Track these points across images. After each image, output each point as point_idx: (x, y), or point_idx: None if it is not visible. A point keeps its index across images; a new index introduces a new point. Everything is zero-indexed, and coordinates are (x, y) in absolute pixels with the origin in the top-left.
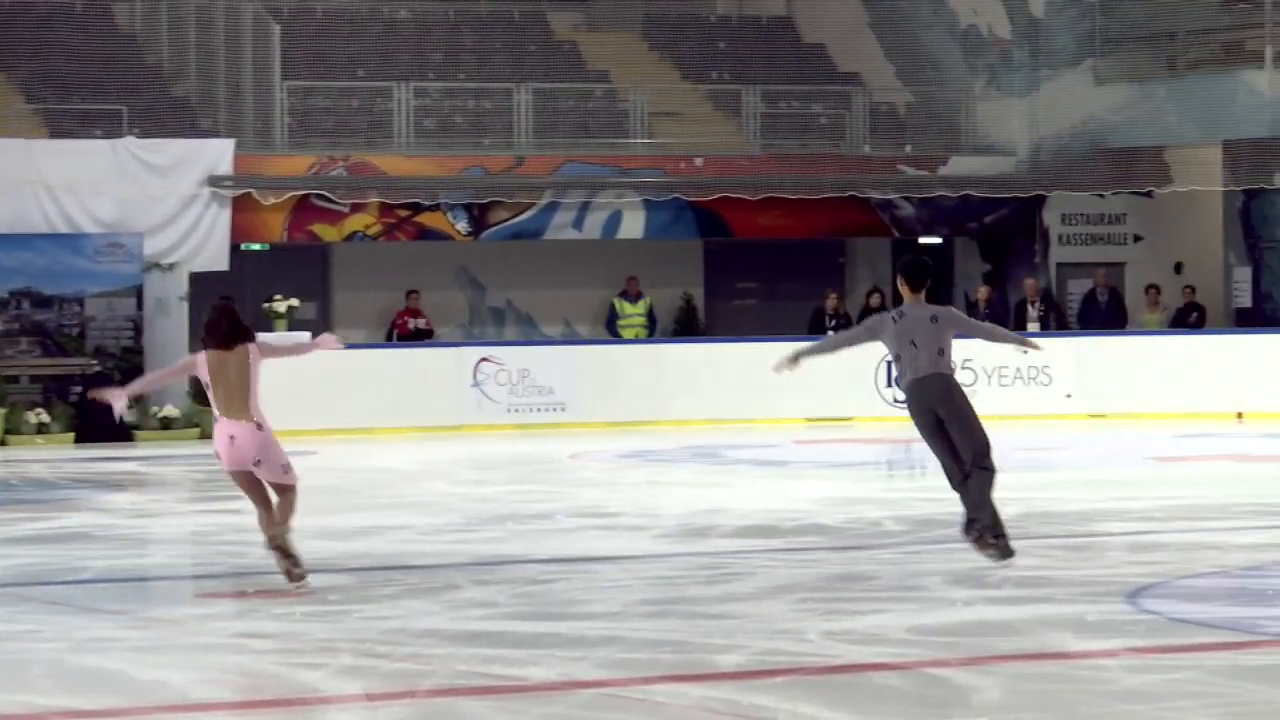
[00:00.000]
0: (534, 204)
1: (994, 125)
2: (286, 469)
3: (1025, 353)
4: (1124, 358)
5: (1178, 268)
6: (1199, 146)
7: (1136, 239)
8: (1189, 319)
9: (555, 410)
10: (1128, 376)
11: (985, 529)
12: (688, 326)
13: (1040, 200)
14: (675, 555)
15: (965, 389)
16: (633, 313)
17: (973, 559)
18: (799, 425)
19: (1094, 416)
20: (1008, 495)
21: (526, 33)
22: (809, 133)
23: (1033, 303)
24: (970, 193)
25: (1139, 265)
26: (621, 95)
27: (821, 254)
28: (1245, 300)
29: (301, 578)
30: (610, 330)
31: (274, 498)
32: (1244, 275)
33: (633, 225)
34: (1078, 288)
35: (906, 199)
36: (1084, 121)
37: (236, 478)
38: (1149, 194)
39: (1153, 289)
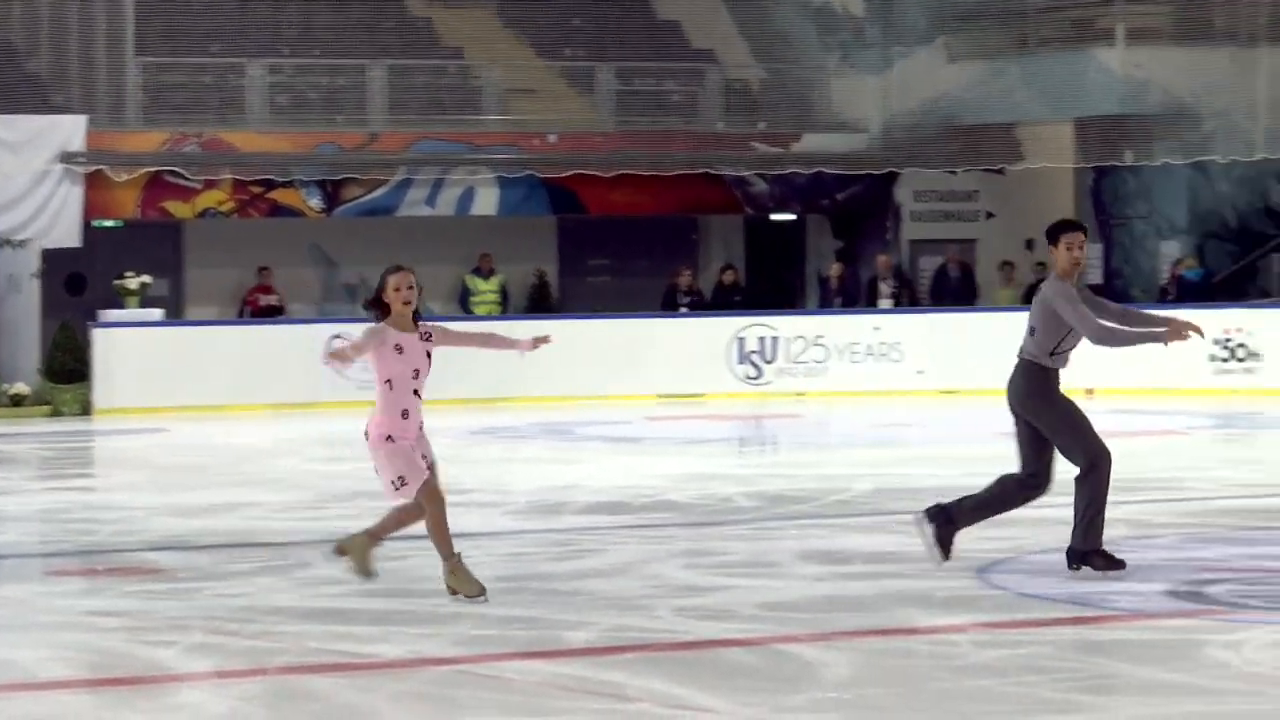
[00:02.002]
0: (387, 181)
1: (847, 102)
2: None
3: (1165, 345)
4: (976, 334)
5: (1029, 244)
6: (1050, 124)
7: (988, 216)
8: None
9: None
10: (979, 353)
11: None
12: (540, 303)
13: (893, 177)
14: (527, 532)
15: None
16: (485, 290)
17: (822, 535)
18: (651, 402)
19: (946, 393)
20: (860, 471)
21: (381, 9)
22: (663, 110)
23: (885, 279)
24: (823, 170)
25: (991, 242)
26: (475, 72)
27: (674, 231)
28: (1096, 277)
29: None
30: (463, 307)
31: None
32: (1095, 251)
33: (486, 202)
34: (930, 264)
35: (760, 176)
36: (936, 99)
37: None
38: (1001, 171)
39: (1005, 265)
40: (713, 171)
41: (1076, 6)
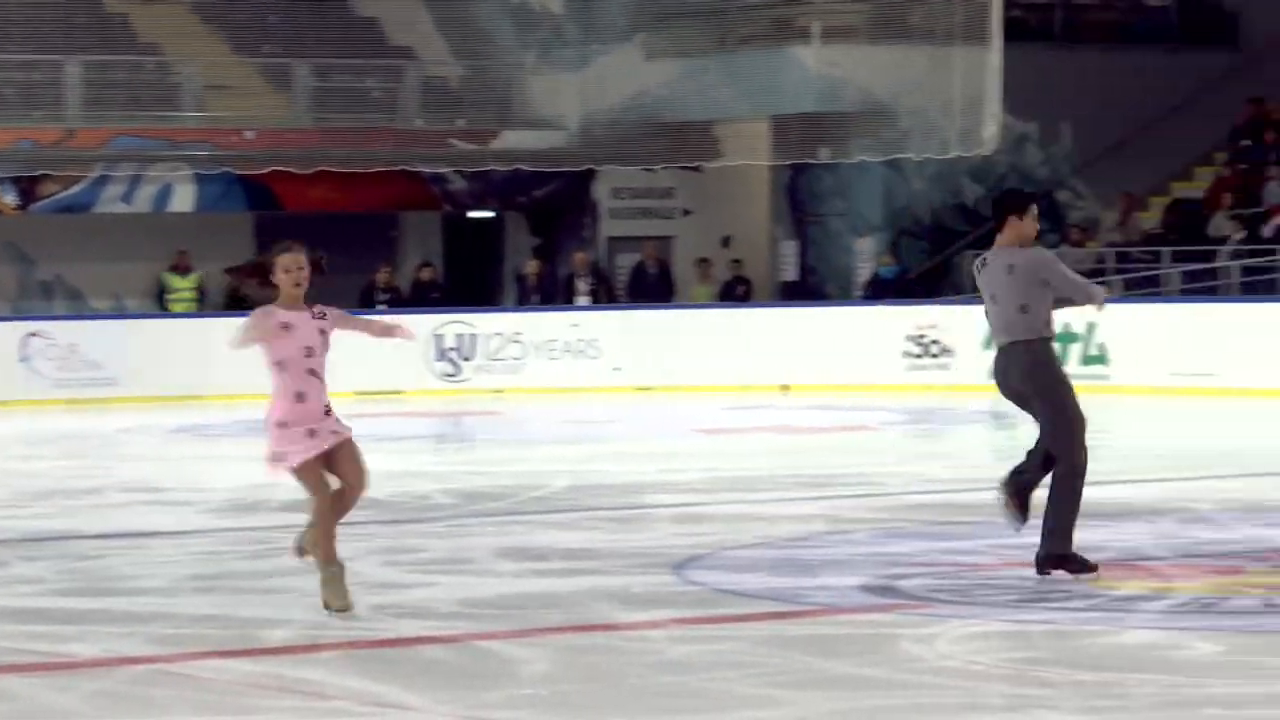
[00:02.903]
0: (84, 177)
1: (545, 100)
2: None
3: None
4: (672, 331)
5: (725, 241)
6: (748, 121)
7: (685, 213)
8: (736, 292)
9: (105, 385)
10: (676, 349)
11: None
12: (238, 301)
13: (591, 174)
14: (224, 530)
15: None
16: (182, 287)
17: (521, 531)
18: (349, 399)
19: (642, 389)
20: (557, 468)
21: (77, 4)
22: (361, 106)
23: (581, 276)
24: (521, 167)
25: (688, 239)
26: (173, 68)
27: (373, 228)
28: (792, 274)
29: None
30: (160, 304)
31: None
32: (790, 249)
33: (183, 199)
34: (627, 261)
35: (458, 173)
36: (635, 96)
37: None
38: (698, 168)
39: (702, 262)
40: (411, 169)
41: (774, 5)
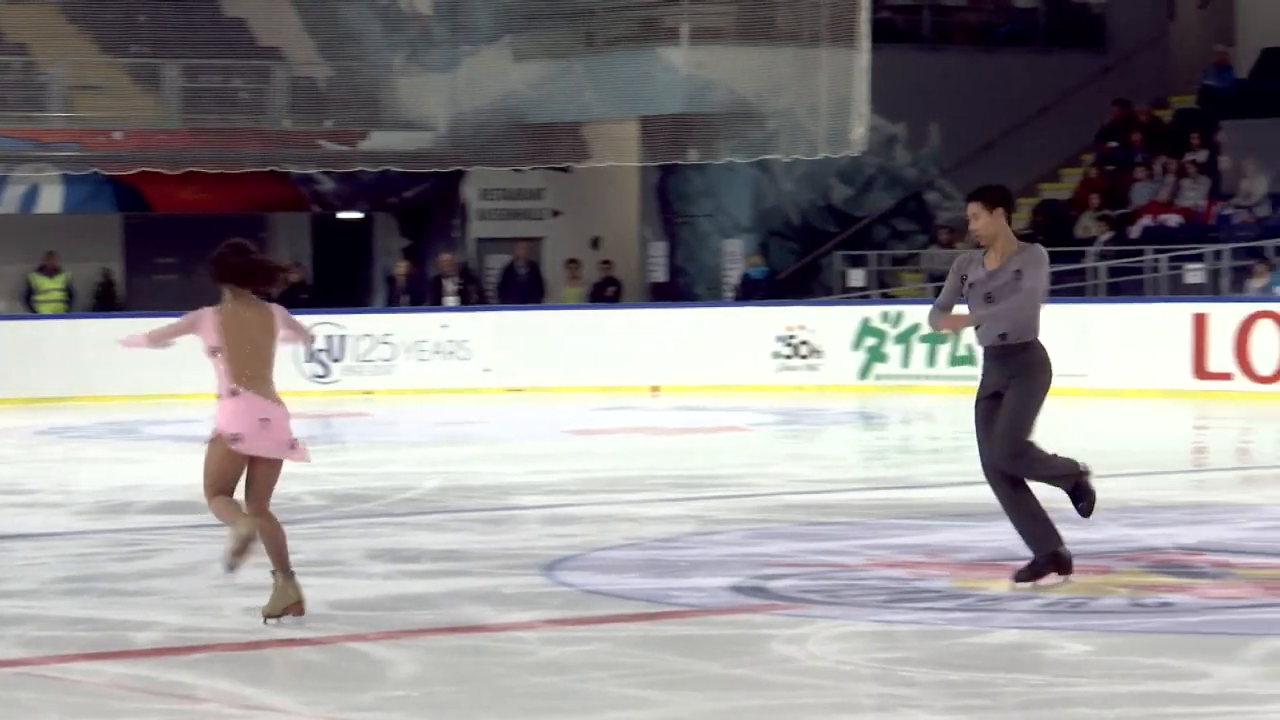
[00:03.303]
0: None
1: (414, 101)
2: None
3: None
4: (542, 332)
5: (595, 242)
6: (616, 122)
7: (554, 214)
8: (606, 293)
9: None
10: (546, 350)
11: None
12: (107, 301)
13: (459, 175)
14: (92, 532)
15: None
16: (50, 288)
17: (391, 533)
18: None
19: (512, 391)
20: (427, 469)
21: None
22: (230, 107)
23: (449, 277)
24: (390, 168)
25: (557, 240)
26: (40, 68)
27: (242, 229)
28: (661, 275)
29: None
30: (27, 306)
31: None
32: (660, 250)
33: (51, 199)
34: (497, 262)
35: (327, 174)
36: (503, 97)
37: (235, 469)
38: (567, 169)
39: (571, 263)
40: (280, 169)
41: (642, 6)
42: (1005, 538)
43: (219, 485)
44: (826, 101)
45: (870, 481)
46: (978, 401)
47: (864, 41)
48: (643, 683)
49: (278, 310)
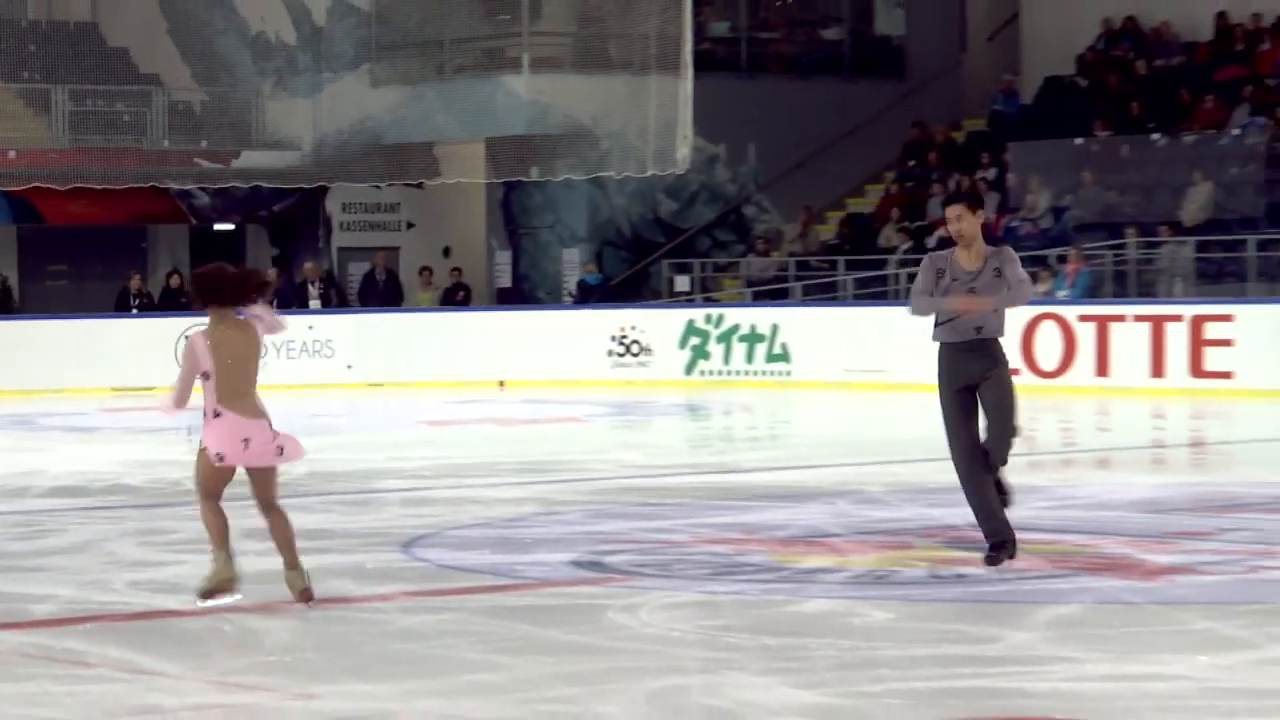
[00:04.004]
0: None
1: (282, 122)
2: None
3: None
4: (399, 332)
5: (446, 251)
6: (464, 143)
7: (409, 225)
8: (457, 297)
9: None
10: (403, 349)
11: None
12: (4, 306)
13: (323, 191)
14: None
15: None
16: None
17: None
18: (106, 394)
19: (372, 386)
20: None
21: None
22: (114, 129)
23: (313, 283)
24: (260, 183)
25: (412, 249)
26: None
27: (126, 239)
28: (506, 281)
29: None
30: None
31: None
32: (505, 258)
33: None
34: (358, 269)
35: (202, 189)
36: (362, 120)
37: (222, 478)
38: (420, 185)
39: (425, 270)
40: (160, 185)
41: (488, 38)
42: (816, 517)
43: (207, 489)
44: (654, 124)
45: (696, 467)
46: (950, 393)
47: (688, 70)
48: (493, 649)
49: (259, 324)
